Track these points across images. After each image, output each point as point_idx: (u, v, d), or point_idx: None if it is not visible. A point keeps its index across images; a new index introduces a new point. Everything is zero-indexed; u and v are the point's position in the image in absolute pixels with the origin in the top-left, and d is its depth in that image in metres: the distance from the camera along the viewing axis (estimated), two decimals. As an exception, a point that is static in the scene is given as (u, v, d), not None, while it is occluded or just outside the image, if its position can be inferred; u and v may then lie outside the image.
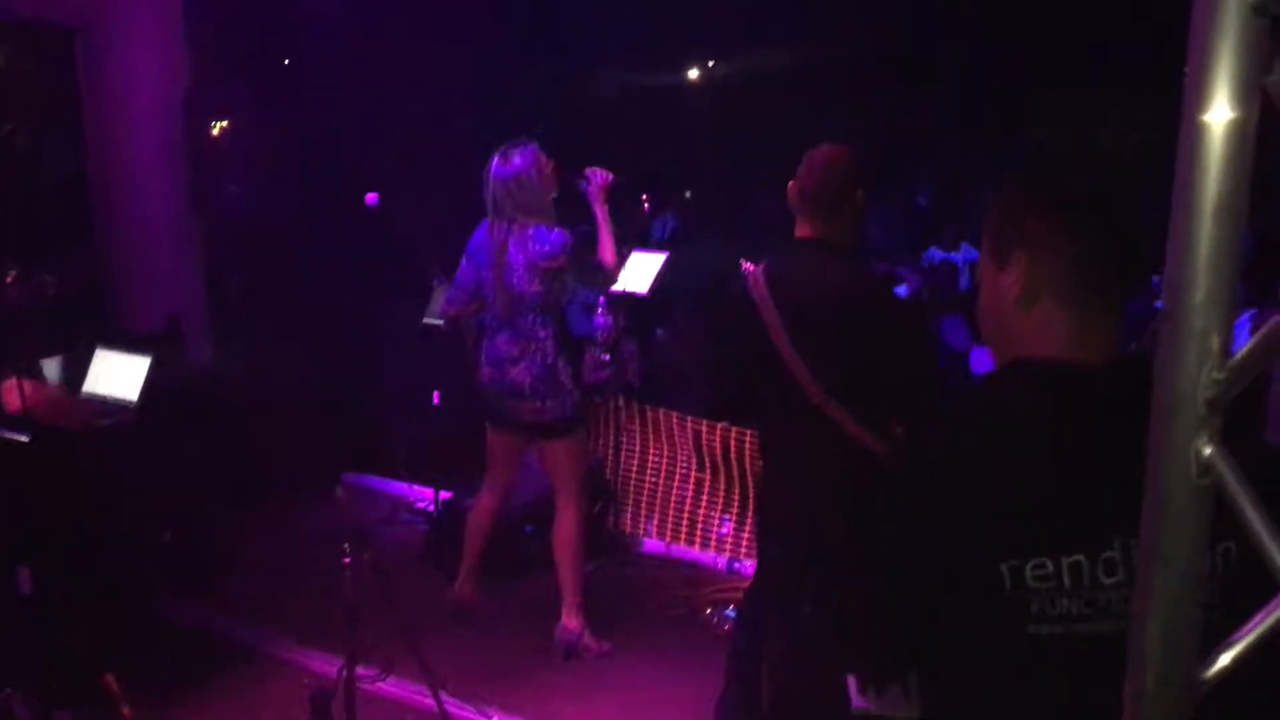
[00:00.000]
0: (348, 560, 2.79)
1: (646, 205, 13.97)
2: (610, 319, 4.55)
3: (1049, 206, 1.44)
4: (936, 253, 9.53)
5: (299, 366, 6.04)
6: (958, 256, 9.38)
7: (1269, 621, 0.89)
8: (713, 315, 3.16)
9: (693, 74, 19.66)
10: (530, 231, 3.89)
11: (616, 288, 4.57)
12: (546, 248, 3.88)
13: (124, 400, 4.69)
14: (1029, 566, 1.33)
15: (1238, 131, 0.83)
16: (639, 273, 4.52)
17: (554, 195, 3.96)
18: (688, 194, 15.38)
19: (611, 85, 14.47)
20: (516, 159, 3.90)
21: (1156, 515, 0.93)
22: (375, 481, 6.14)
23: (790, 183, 2.89)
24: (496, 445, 4.30)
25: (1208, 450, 0.90)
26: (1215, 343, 0.88)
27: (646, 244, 11.15)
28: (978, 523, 1.37)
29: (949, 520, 1.39)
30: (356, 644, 2.80)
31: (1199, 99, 0.84)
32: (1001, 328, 1.48)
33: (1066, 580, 1.33)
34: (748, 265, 2.92)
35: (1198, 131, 0.84)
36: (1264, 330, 0.87)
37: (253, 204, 5.55)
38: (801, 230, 2.88)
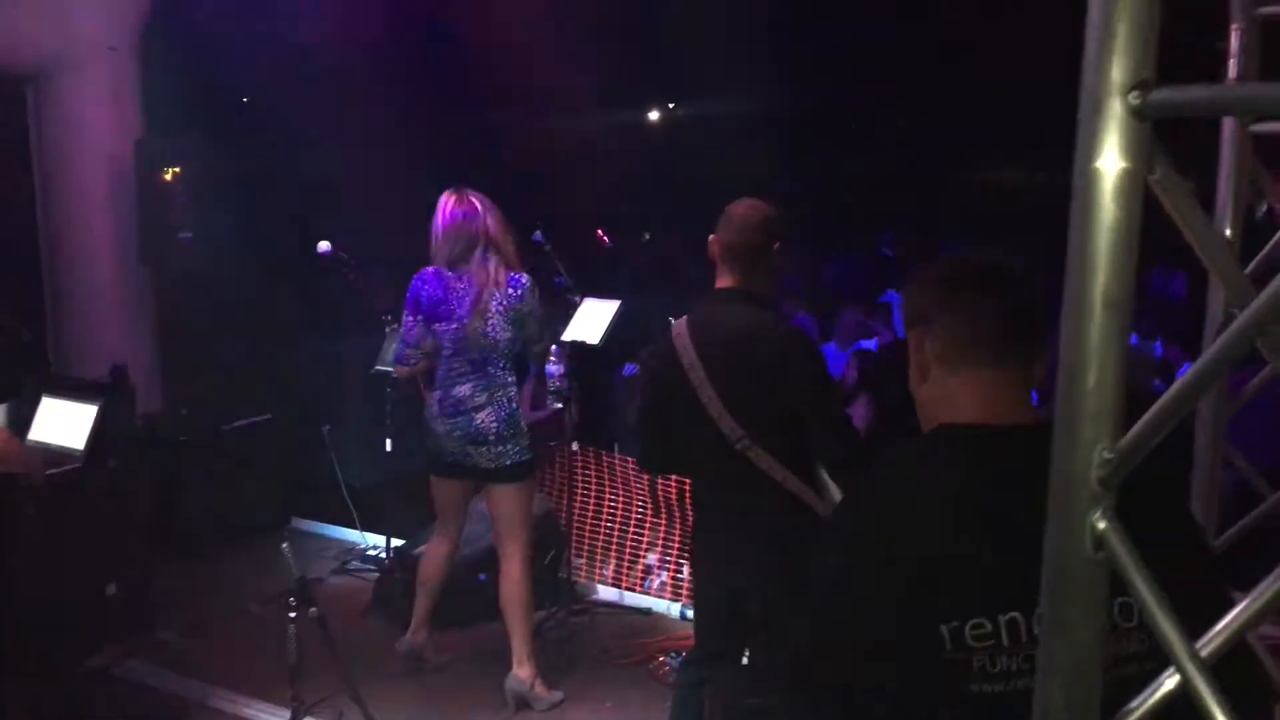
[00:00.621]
0: (292, 615, 2.77)
1: (605, 239, 14.01)
2: (562, 366, 4.57)
3: (945, 285, 1.57)
4: (894, 295, 9.58)
5: (250, 413, 6.01)
6: None
7: (1160, 694, 0.93)
8: (642, 366, 3.24)
9: (653, 116, 19.86)
10: (500, 276, 3.90)
11: (568, 336, 4.60)
12: (518, 291, 3.90)
13: (70, 449, 4.63)
14: (968, 626, 1.38)
15: (1125, 229, 0.88)
16: (591, 321, 4.55)
17: (513, 240, 3.97)
18: (647, 235, 15.47)
19: (572, 125, 14.57)
20: (469, 204, 3.91)
21: (1055, 588, 0.98)
22: (326, 528, 6.09)
23: (710, 236, 3.01)
24: (445, 494, 4.27)
25: (1101, 525, 0.94)
26: (1107, 424, 0.93)
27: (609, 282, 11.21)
28: (915, 588, 1.42)
29: (887, 588, 1.44)
30: (299, 703, 2.77)
31: (1087, 200, 0.89)
32: (920, 398, 1.59)
33: (1005, 638, 1.38)
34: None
35: (1087, 232, 0.89)
36: (1150, 413, 0.92)
37: (205, 251, 5.52)
38: (722, 281, 3.00)
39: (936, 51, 12.96)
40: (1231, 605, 0.97)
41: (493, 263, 3.90)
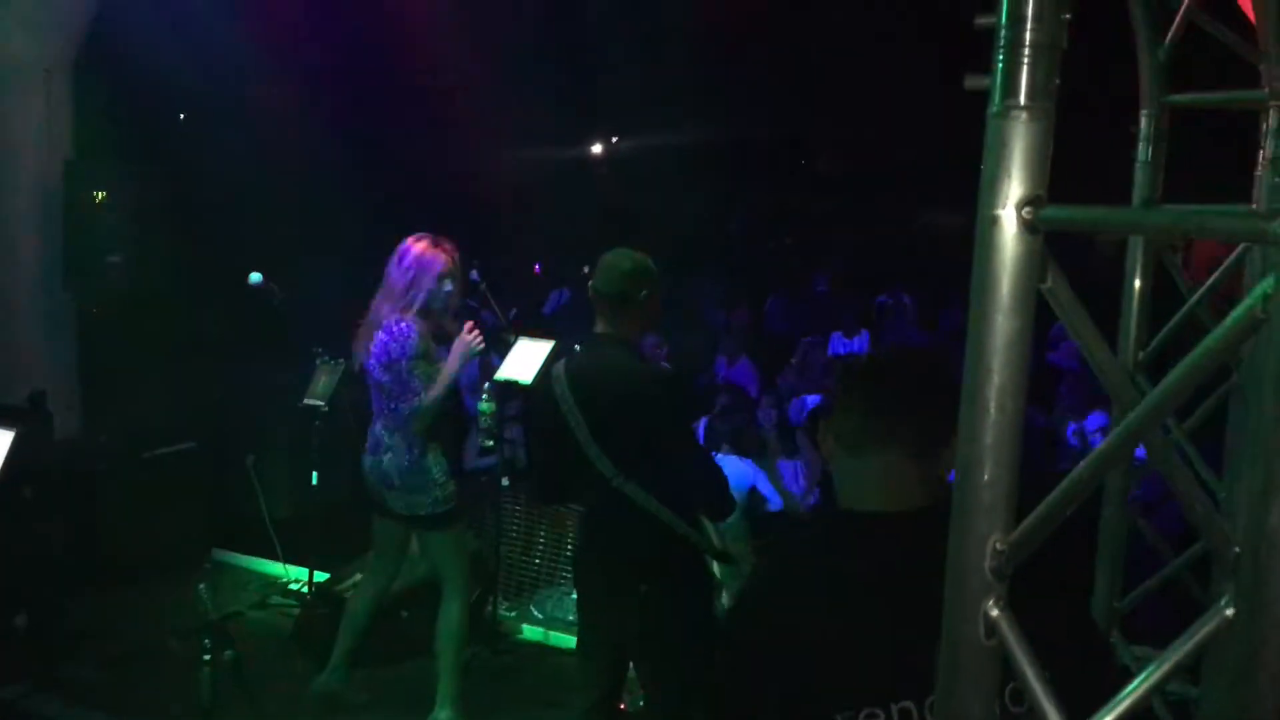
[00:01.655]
0: (207, 657, 2.73)
1: (537, 268, 14.04)
2: (493, 405, 4.57)
3: (844, 377, 1.70)
4: (840, 343, 9.64)
5: (172, 442, 5.89)
6: (856, 344, 9.54)
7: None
8: (527, 406, 3.42)
9: (596, 149, 19.97)
10: (387, 322, 3.91)
11: (501, 375, 4.60)
12: (389, 338, 3.88)
13: (-18, 476, 4.51)
14: (861, 715, 1.42)
15: (1018, 338, 0.94)
16: (524, 361, 4.55)
17: (431, 301, 3.93)
18: (585, 269, 15.51)
19: (512, 158, 14.59)
20: (420, 251, 3.93)
21: (950, 674, 1.02)
22: (248, 560, 5.98)
23: (589, 283, 3.19)
24: (380, 531, 4.26)
25: (994, 613, 0.99)
26: (1000, 516, 0.98)
27: (540, 312, 11.21)
28: (809, 674, 1.46)
29: (782, 677, 1.48)
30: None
31: (982, 308, 0.94)
32: (835, 481, 1.67)
33: None
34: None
35: (982, 335, 0.94)
36: (1040, 508, 0.97)
37: (133, 276, 5.43)
38: (599, 326, 3.18)
39: (878, 96, 13.22)
40: (1123, 683, 1.02)
41: (385, 308, 3.92)
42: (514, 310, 7.66)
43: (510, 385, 4.55)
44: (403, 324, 3.87)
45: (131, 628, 4.99)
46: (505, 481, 5.41)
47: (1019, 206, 0.92)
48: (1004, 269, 0.94)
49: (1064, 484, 0.95)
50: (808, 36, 12.56)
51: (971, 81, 0.96)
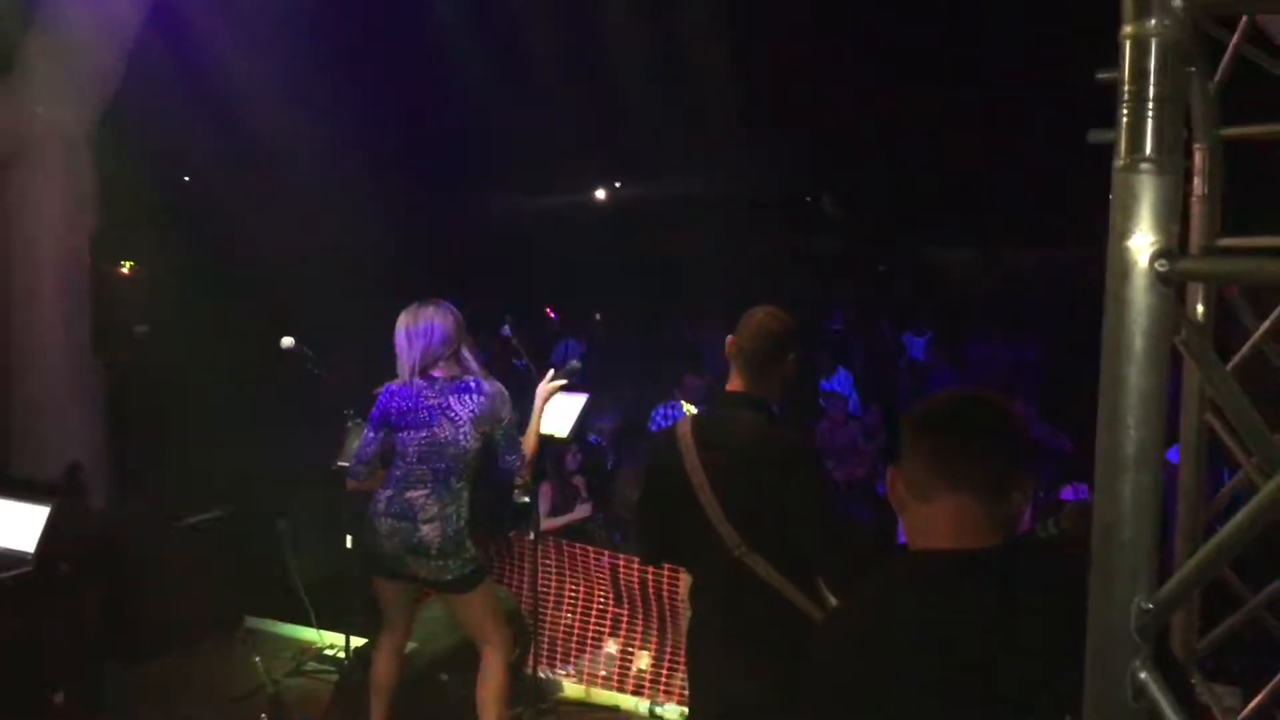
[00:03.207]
0: (265, 733, 2.68)
1: (552, 314, 14.06)
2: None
3: (914, 425, 1.72)
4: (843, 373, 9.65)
5: (204, 510, 5.87)
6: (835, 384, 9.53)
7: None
8: (647, 458, 3.24)
9: (600, 194, 20.09)
10: (469, 384, 3.88)
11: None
12: (484, 399, 3.87)
13: (20, 551, 4.49)
14: None
15: (1155, 392, 0.92)
16: (559, 415, 4.54)
17: (463, 346, 3.94)
18: (598, 316, 15.56)
19: (524, 205, 14.69)
20: (434, 316, 3.90)
21: (1097, 739, 0.99)
22: (281, 627, 5.93)
23: (728, 338, 3.04)
24: (388, 596, 4.16)
25: (1142, 675, 0.96)
26: (1144, 577, 0.96)
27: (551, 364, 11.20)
28: (884, 706, 1.51)
29: (858, 705, 1.53)
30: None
31: (1117, 363, 0.92)
32: (904, 527, 1.72)
33: None
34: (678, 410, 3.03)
35: (1117, 391, 0.93)
36: (1187, 566, 0.95)
37: (161, 345, 5.45)
38: (733, 384, 3.01)
39: (887, 134, 13.34)
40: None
41: (459, 370, 3.90)
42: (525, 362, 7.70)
43: (546, 439, 4.53)
44: (490, 383, 3.88)
45: (167, 701, 4.94)
46: (532, 536, 5.38)
47: (1152, 260, 0.91)
48: (1137, 323, 0.92)
49: (1213, 541, 0.92)
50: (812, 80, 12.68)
51: (1096, 135, 0.96)
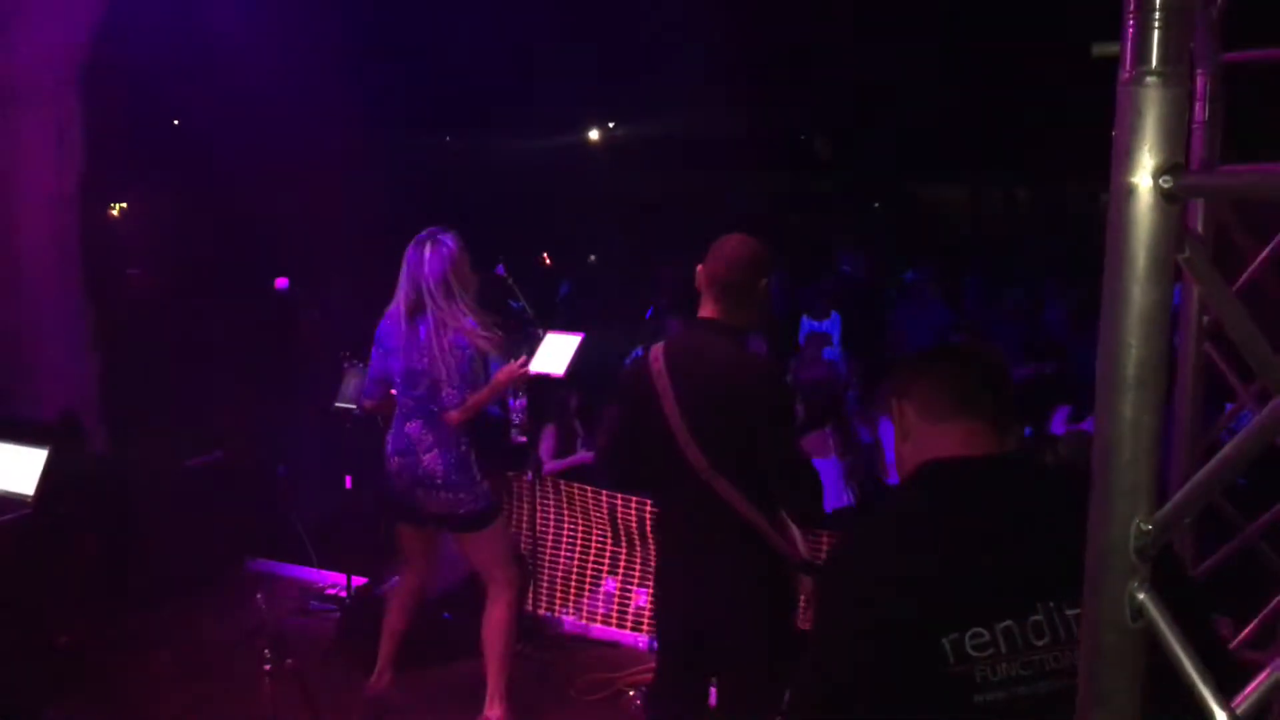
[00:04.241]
0: (268, 668, 2.71)
1: (548, 260, 13.99)
2: (524, 400, 4.53)
3: (923, 360, 1.86)
4: (809, 324, 9.56)
5: (202, 453, 5.89)
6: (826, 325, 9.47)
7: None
8: (619, 383, 3.25)
9: (593, 135, 19.89)
10: (448, 318, 3.87)
11: (533, 369, 4.57)
12: (464, 336, 3.86)
13: (20, 494, 4.50)
14: (968, 636, 1.47)
15: (1157, 310, 0.91)
16: (555, 354, 4.54)
17: (473, 284, 3.94)
18: (592, 258, 15.51)
19: (515, 148, 14.55)
20: (438, 247, 3.89)
21: (1093, 658, 0.99)
22: (283, 568, 5.98)
23: (699, 266, 3.04)
24: (407, 537, 4.21)
25: (1141, 596, 0.96)
26: (1143, 497, 0.95)
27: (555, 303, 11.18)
28: (913, 604, 1.52)
29: (886, 606, 1.53)
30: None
31: (1119, 281, 0.91)
32: (903, 456, 1.77)
33: (1003, 645, 1.48)
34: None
35: (1118, 309, 0.92)
36: (1186, 487, 0.94)
37: (154, 287, 5.41)
38: (705, 311, 3.03)
39: (881, 76, 13.20)
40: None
41: (426, 303, 3.88)
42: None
43: (542, 379, 4.53)
44: (468, 319, 3.85)
45: (171, 643, 4.99)
46: (531, 475, 5.40)
47: (1156, 175, 0.89)
48: (1141, 240, 0.91)
49: (1212, 463, 0.92)
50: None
51: (1100, 48, 0.93)
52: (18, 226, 5.50)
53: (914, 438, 1.73)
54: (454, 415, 3.88)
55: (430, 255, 3.89)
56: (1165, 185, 0.89)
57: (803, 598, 3.16)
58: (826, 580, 1.79)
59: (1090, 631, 0.99)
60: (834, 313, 9.57)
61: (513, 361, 4.07)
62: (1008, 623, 1.48)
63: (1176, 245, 0.91)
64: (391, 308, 3.99)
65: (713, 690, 3.42)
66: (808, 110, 17.29)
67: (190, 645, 4.92)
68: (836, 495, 6.17)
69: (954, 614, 1.49)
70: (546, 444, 6.58)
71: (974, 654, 1.47)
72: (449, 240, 3.91)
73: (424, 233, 3.95)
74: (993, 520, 1.59)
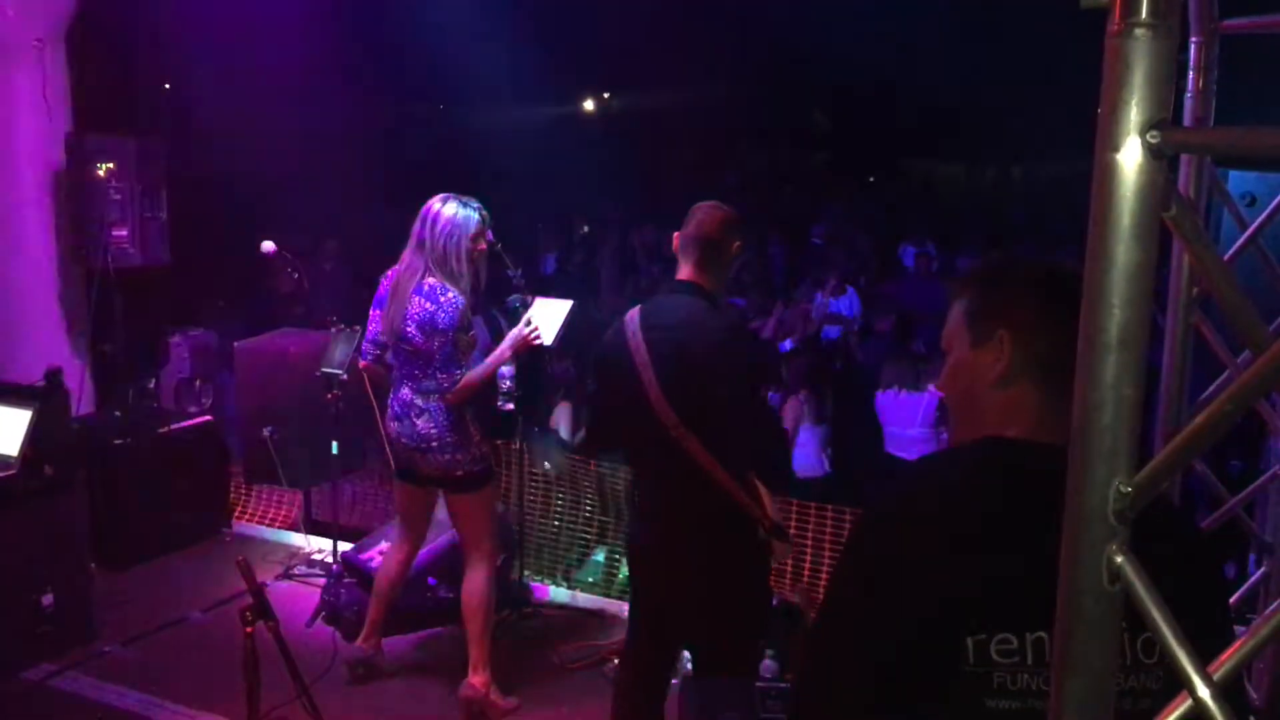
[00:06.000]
0: (249, 629, 2.71)
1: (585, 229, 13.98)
2: (513, 368, 4.50)
3: (1038, 289, 1.47)
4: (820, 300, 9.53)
5: (187, 415, 5.87)
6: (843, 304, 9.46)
7: (1173, 718, 0.94)
8: (596, 348, 3.31)
9: (589, 105, 19.77)
10: (429, 288, 3.82)
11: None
12: (433, 311, 3.80)
13: (4, 455, 4.49)
14: (994, 641, 1.37)
15: (1141, 271, 0.89)
16: (544, 322, 4.50)
17: (470, 267, 3.88)
18: (585, 229, 15.44)
19: (508, 117, 14.43)
20: (452, 213, 3.85)
21: (1069, 622, 0.98)
22: (268, 532, 5.98)
23: (675, 234, 3.16)
24: (404, 499, 4.21)
25: (1118, 559, 0.95)
26: (1123, 459, 0.94)
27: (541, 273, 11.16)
28: (944, 596, 1.39)
29: (915, 593, 1.41)
30: (257, 716, 2.71)
31: (1103, 239, 0.89)
32: (973, 404, 1.51)
33: (1030, 656, 1.37)
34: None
35: (1101, 269, 0.90)
36: (1165, 450, 0.93)
37: (140, 249, 5.36)
38: (680, 274, 3.12)
39: (876, 51, 13.11)
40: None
41: (421, 271, 3.83)
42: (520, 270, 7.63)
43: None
44: (450, 293, 3.79)
45: (155, 603, 4.99)
46: (519, 443, 5.39)
47: (1142, 131, 0.87)
48: (1126, 198, 0.88)
49: (1190, 427, 0.90)
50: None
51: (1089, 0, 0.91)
52: (3, 185, 5.44)
53: (999, 387, 1.46)
54: (450, 397, 3.87)
55: (443, 223, 3.83)
56: (1152, 140, 0.87)
57: (774, 564, 3.21)
58: (856, 544, 1.55)
59: (1067, 595, 0.98)
60: (849, 289, 9.57)
61: (520, 329, 4.03)
62: (1040, 634, 1.37)
63: (1163, 203, 0.90)
64: (393, 268, 3.96)
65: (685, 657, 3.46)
66: (805, 84, 17.22)
67: (173, 607, 4.92)
68: (814, 462, 6.14)
69: (985, 615, 1.38)
70: (563, 420, 6.58)
71: (997, 659, 1.37)
72: (465, 210, 3.86)
73: (447, 197, 3.90)
74: (1043, 522, 1.29)
